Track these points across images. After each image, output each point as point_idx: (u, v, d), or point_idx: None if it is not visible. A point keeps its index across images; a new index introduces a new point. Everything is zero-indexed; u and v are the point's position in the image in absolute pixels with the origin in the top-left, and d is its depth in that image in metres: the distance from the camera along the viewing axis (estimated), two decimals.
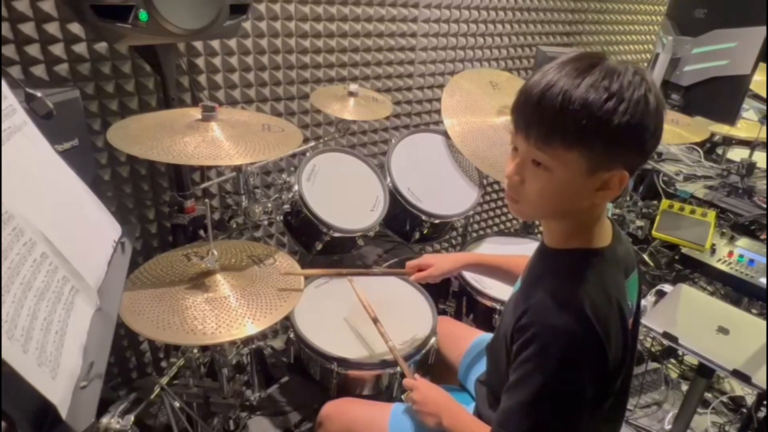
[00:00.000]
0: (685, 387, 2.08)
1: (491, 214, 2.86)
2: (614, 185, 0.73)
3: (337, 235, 1.51)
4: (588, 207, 0.77)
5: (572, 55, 0.72)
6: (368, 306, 1.28)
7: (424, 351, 1.31)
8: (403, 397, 1.10)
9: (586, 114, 0.67)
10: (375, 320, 1.25)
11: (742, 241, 1.81)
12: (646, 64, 2.67)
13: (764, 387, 1.22)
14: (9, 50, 1.29)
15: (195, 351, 1.22)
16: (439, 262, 1.25)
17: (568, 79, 0.68)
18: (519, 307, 0.79)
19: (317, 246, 1.55)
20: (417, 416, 1.05)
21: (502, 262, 1.24)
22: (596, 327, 0.71)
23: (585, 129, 0.67)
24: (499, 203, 2.85)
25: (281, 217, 1.54)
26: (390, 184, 1.70)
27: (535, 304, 0.76)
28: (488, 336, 1.29)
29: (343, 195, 1.62)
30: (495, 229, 2.91)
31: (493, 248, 1.89)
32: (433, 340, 1.34)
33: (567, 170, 0.72)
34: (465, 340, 1.33)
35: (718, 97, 2.16)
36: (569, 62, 0.70)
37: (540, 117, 0.71)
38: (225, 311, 1.01)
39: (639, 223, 2.11)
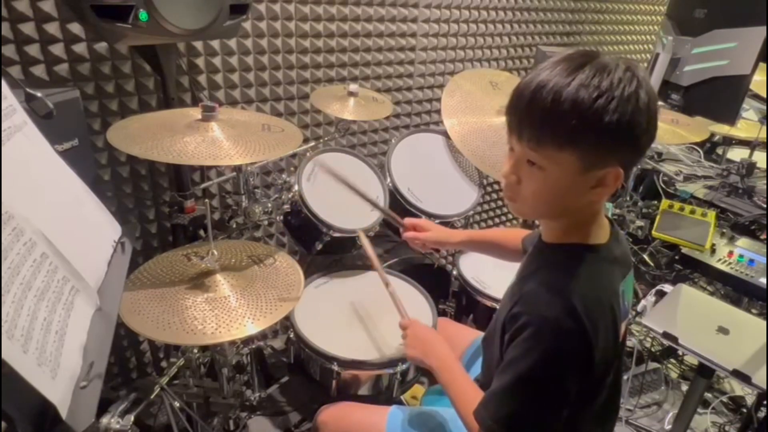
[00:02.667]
0: (685, 387, 2.08)
1: (491, 214, 2.86)
2: (609, 182, 0.73)
3: (337, 235, 1.51)
4: (585, 204, 0.77)
5: (565, 53, 0.72)
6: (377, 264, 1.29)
7: None
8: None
9: (576, 114, 0.67)
10: (387, 284, 1.25)
11: (742, 241, 1.81)
12: (646, 64, 2.66)
13: (764, 387, 1.22)
14: (9, 50, 1.29)
15: (195, 351, 1.22)
16: (436, 230, 1.29)
17: (559, 78, 0.68)
18: (513, 296, 0.80)
19: (317, 246, 1.55)
20: (405, 350, 1.06)
21: (493, 237, 1.27)
22: (584, 321, 0.71)
23: (575, 129, 0.67)
24: (499, 203, 2.84)
25: (281, 217, 1.54)
26: (390, 184, 1.70)
27: (527, 293, 0.77)
28: None
29: (343, 195, 1.61)
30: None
31: None
32: None
33: (560, 169, 0.72)
34: (464, 341, 1.33)
35: (718, 97, 2.16)
36: (561, 61, 0.70)
37: (531, 117, 0.71)
38: (225, 311, 1.01)
39: (639, 223, 2.11)
